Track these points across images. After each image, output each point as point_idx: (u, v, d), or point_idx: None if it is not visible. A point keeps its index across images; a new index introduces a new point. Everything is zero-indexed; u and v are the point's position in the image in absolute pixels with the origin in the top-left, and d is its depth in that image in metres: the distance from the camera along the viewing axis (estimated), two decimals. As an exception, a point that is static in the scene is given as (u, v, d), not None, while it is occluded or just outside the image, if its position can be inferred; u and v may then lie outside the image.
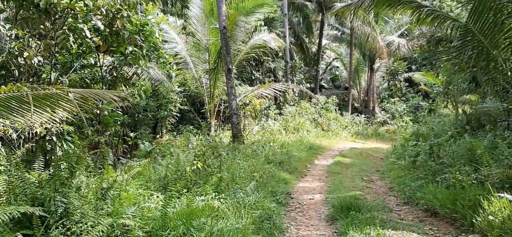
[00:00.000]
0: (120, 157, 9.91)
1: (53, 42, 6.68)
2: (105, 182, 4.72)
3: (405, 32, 26.47)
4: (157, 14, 12.23)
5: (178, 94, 15.11)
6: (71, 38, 6.48)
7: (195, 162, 6.22)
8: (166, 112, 14.81)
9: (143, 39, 8.37)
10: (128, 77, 10.44)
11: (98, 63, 8.81)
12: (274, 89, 17.30)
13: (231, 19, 14.86)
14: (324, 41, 29.82)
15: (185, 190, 5.68)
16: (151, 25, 8.85)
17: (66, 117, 5.45)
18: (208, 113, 15.90)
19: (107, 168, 5.19)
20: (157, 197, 5.32)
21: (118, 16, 7.29)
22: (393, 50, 25.33)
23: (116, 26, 7.32)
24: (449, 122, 14.19)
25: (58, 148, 6.47)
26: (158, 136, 15.66)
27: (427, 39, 16.04)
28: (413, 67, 30.14)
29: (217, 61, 15.00)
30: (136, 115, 13.83)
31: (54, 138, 6.49)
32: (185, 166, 6.27)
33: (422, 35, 21.74)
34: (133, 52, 8.04)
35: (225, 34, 13.22)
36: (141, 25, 8.31)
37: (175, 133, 15.61)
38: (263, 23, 18.59)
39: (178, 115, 15.57)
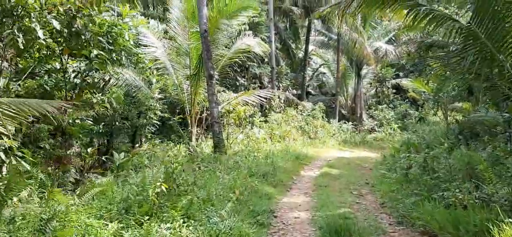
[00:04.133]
0: (87, 172, 9.02)
1: (1, 44, 5.84)
2: (46, 212, 3.91)
3: (393, 38, 26.09)
4: (136, 17, 11.39)
5: (158, 101, 14.26)
6: (20, 40, 5.63)
7: (158, 184, 5.35)
8: (145, 120, 13.99)
9: (111, 41, 7.54)
10: (100, 85, 9.58)
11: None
12: (259, 96, 16.60)
13: (213, 22, 14.11)
14: (311, 47, 29.27)
15: (146, 217, 4.84)
16: (121, 27, 8.03)
17: (20, 129, 4.65)
18: (189, 121, 15.06)
19: (53, 191, 4.36)
20: (112, 227, 4.50)
21: (79, 16, 6.46)
22: (380, 56, 24.94)
23: (76, 26, 6.49)
24: (440, 131, 13.65)
25: (5, 165, 5.61)
26: (137, 145, 14.79)
27: (417, 45, 15.55)
28: (401, 73, 29.74)
29: (198, 66, 14.24)
30: (113, 123, 12.98)
31: (2, 155, 5.63)
32: (149, 189, 5.44)
33: (410, 41, 21.33)
34: (99, 56, 7.21)
35: (206, 38, 12.49)
36: (108, 26, 7.49)
37: (155, 141, 14.76)
38: (248, 28, 17.87)
39: (158, 123, 14.71)
